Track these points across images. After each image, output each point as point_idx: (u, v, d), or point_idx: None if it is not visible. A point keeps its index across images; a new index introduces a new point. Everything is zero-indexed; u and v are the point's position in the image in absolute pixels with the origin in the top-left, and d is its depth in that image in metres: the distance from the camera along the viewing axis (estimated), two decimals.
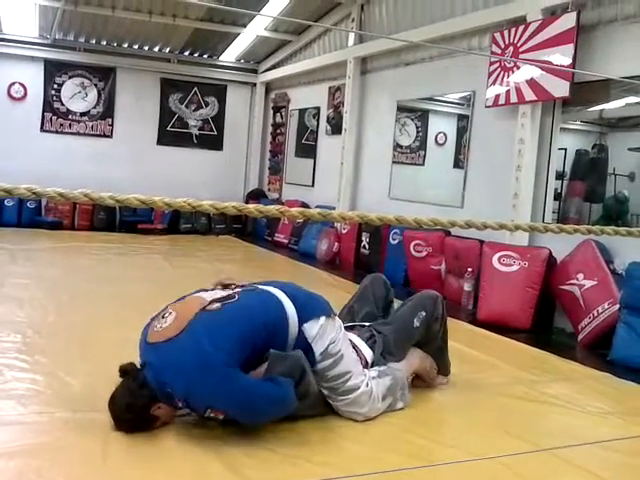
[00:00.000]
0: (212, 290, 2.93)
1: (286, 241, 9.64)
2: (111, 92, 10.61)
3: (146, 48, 10.70)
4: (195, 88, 11.12)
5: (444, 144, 7.60)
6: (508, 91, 5.84)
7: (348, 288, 5.85)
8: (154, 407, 2.62)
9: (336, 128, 9.10)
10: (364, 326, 3.36)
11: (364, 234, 7.87)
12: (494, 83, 6.02)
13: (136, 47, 10.64)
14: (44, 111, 10.28)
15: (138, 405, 2.60)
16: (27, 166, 9.39)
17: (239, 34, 9.99)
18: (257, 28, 9.70)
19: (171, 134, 11.05)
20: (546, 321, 5.36)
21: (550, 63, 5.30)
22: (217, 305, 2.71)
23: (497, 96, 5.99)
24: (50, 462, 2.35)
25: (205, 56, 11.10)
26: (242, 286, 3.02)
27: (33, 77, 10.18)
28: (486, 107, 6.20)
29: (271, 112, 11.39)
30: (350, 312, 3.53)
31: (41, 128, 10.29)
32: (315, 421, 2.88)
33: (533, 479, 2.56)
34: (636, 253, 4.62)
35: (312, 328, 2.81)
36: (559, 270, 5.22)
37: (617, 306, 4.55)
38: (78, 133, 10.48)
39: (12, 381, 3.17)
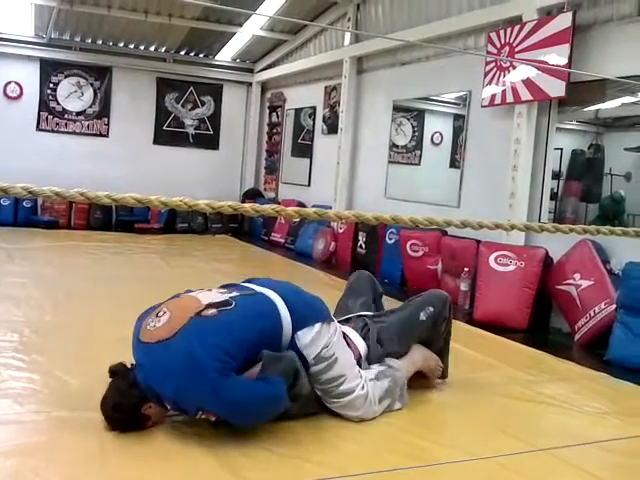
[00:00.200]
0: (208, 290, 2.88)
1: (282, 240, 9.64)
2: (107, 91, 10.59)
3: (142, 47, 10.69)
4: (191, 87, 11.11)
5: (440, 144, 7.60)
6: (504, 91, 5.84)
7: (344, 288, 5.83)
8: (145, 406, 2.62)
9: (332, 128, 9.10)
10: (360, 316, 3.34)
11: (360, 234, 7.87)
12: (490, 83, 6.02)
13: (132, 46, 10.62)
14: (40, 110, 10.27)
15: (128, 405, 2.60)
16: (23, 165, 9.37)
17: (235, 33, 9.99)
18: (253, 27, 9.69)
19: (167, 133, 11.04)
20: (542, 321, 5.36)
21: (546, 63, 5.30)
22: (213, 311, 2.67)
23: (493, 96, 6.00)
24: (47, 461, 2.34)
25: (201, 55, 11.09)
26: (240, 287, 2.97)
27: (29, 76, 10.16)
28: (482, 107, 6.20)
29: (267, 111, 11.39)
30: (345, 307, 3.53)
31: (37, 127, 10.27)
32: (312, 421, 2.88)
33: (530, 479, 2.56)
34: (632, 253, 4.62)
35: (305, 336, 2.79)
36: (555, 270, 5.22)
37: (613, 306, 4.55)
38: (74, 132, 10.47)
39: (9, 380, 3.16)
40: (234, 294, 2.82)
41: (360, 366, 3.04)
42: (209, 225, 10.70)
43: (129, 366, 2.73)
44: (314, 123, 9.79)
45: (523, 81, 5.61)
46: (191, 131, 11.19)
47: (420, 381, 3.42)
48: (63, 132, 10.40)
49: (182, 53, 10.95)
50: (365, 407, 2.92)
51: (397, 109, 7.89)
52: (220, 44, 10.55)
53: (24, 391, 3.03)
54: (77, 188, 2.01)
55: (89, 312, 4.72)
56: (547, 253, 5.30)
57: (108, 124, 10.65)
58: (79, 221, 10.08)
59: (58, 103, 10.35)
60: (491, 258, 5.50)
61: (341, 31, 8.76)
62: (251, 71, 11.44)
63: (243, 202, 9.00)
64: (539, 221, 5.57)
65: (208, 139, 11.31)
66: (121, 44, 10.52)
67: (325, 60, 9.17)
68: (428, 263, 6.41)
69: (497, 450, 2.75)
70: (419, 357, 3.35)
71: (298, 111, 10.30)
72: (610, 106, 5.76)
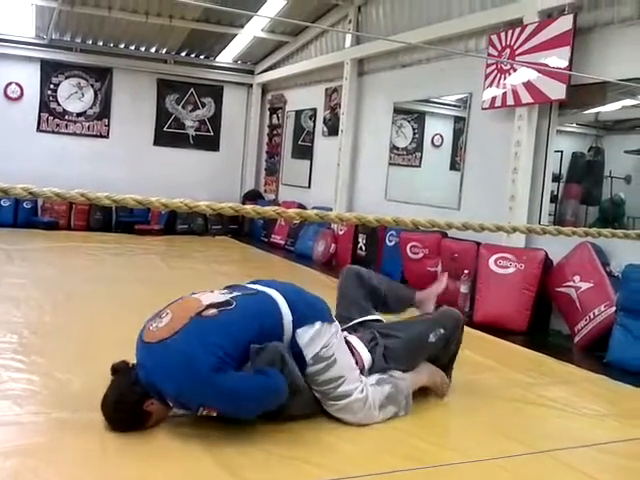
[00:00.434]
0: (211, 292, 2.90)
1: (283, 242, 9.63)
2: (107, 93, 10.59)
3: (142, 49, 10.69)
4: (191, 89, 11.12)
5: (440, 146, 7.61)
6: (505, 93, 5.84)
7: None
8: (147, 403, 2.63)
9: (333, 129, 9.10)
10: (368, 327, 3.29)
11: (360, 235, 7.87)
12: (491, 85, 6.02)
13: (132, 48, 10.62)
14: (40, 111, 10.26)
15: (129, 402, 2.61)
16: (23, 166, 9.37)
17: (236, 35, 10.00)
18: (254, 29, 9.70)
19: (167, 135, 11.04)
20: (542, 323, 5.36)
21: (547, 65, 5.31)
22: (213, 311, 2.69)
23: (494, 98, 6.00)
24: (46, 462, 2.35)
25: (202, 57, 11.09)
26: (243, 288, 2.97)
27: (29, 77, 10.16)
28: (482, 109, 6.20)
29: (267, 113, 11.39)
30: (342, 319, 3.45)
31: (37, 128, 10.26)
32: (311, 422, 2.87)
33: None
34: (632, 255, 4.62)
35: (305, 334, 2.79)
36: (555, 272, 5.22)
37: (613, 308, 4.55)
38: (74, 133, 10.46)
39: (8, 381, 3.16)
40: (235, 294, 2.84)
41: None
42: (209, 226, 10.70)
43: (131, 365, 2.74)
44: (314, 125, 9.79)
45: (524, 83, 5.61)
46: (191, 132, 11.19)
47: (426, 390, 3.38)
48: (63, 133, 10.40)
49: (183, 54, 10.95)
50: (364, 411, 2.90)
51: (398, 111, 7.89)
52: (221, 45, 10.55)
53: (24, 392, 3.03)
54: (77, 189, 2.01)
55: (89, 313, 4.72)
56: (547, 255, 5.30)
57: (108, 125, 10.65)
58: (79, 222, 10.09)
59: (59, 104, 10.35)
60: (491, 260, 5.50)
61: (342, 33, 8.76)
62: (252, 73, 11.44)
63: (243, 204, 9.00)
64: (539, 223, 5.56)
65: (208, 140, 11.31)
66: (122, 45, 10.53)
67: (326, 62, 9.17)
68: (428, 265, 6.40)
69: (497, 452, 2.75)
70: (425, 373, 3.31)
71: (299, 113, 10.30)
72: (610, 109, 5.76)
